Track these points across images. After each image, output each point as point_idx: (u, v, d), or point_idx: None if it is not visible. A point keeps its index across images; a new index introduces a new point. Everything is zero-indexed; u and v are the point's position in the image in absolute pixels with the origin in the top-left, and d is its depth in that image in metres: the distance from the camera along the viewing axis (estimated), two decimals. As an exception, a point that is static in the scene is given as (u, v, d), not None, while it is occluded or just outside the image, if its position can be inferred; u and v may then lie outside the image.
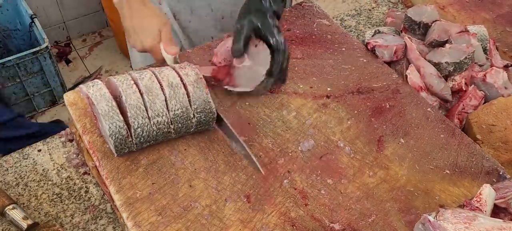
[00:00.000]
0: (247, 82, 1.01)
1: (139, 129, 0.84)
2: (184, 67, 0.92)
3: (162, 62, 1.02)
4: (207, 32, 1.40)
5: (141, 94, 0.86)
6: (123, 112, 0.84)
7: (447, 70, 1.13)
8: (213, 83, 1.03)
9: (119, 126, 0.83)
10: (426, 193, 0.90)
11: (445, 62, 1.12)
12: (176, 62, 1.01)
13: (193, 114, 0.89)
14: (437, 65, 1.14)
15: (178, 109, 0.87)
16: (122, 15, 1.03)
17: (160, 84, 0.87)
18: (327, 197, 0.87)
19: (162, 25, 1.01)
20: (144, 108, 0.85)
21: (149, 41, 1.00)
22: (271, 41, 0.96)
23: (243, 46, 0.99)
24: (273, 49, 0.97)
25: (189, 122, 0.89)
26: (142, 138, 0.86)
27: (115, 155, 0.87)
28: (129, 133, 0.84)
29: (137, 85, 0.86)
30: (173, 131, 0.88)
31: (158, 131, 0.86)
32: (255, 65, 1.00)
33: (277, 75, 0.98)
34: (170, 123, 0.87)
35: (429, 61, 1.16)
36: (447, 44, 1.17)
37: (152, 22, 1.01)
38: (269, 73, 0.98)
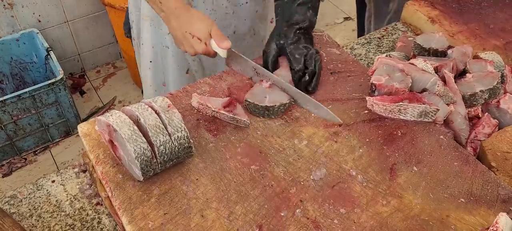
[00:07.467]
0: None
1: (162, 147, 0.86)
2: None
3: (214, 56, 1.13)
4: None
5: (158, 114, 0.89)
6: (143, 135, 0.86)
7: (482, 99, 1.10)
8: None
9: (143, 148, 0.84)
10: (441, 222, 0.88)
11: (480, 91, 1.10)
12: (229, 55, 1.12)
13: None
14: (472, 96, 1.10)
15: None
16: (170, 27, 1.13)
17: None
18: (340, 226, 0.86)
19: (210, 25, 1.10)
20: (163, 126, 0.87)
21: (200, 45, 1.10)
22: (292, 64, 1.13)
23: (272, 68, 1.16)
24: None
25: None
26: (166, 156, 0.87)
27: (142, 178, 0.88)
28: (153, 154, 0.86)
29: (152, 108, 0.89)
30: (194, 146, 0.90)
31: (179, 146, 0.88)
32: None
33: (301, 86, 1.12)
34: (190, 137, 0.89)
35: (463, 95, 1.10)
36: (468, 74, 1.16)
37: (200, 26, 1.10)
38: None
